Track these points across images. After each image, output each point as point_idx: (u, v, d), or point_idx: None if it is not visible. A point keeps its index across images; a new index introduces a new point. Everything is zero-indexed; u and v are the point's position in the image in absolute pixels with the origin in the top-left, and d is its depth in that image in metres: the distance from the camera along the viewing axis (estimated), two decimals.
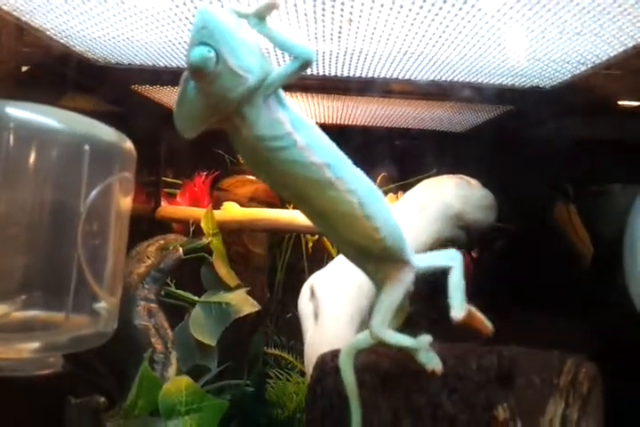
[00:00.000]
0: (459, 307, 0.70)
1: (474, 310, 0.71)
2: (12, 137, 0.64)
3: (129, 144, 0.75)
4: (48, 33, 0.84)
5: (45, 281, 0.69)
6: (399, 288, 0.70)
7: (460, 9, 0.69)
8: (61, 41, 0.88)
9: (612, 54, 0.77)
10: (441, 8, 0.70)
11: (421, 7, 0.70)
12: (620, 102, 1.03)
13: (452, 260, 0.73)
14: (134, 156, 0.76)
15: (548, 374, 0.72)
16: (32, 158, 0.65)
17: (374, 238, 0.66)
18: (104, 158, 0.71)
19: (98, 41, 0.89)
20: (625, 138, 1.16)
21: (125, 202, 0.76)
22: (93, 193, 0.68)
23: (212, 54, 0.56)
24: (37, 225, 0.67)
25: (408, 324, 0.79)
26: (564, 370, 0.73)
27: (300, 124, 0.62)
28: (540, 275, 1.26)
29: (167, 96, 1.21)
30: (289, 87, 1.10)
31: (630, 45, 0.72)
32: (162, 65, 1.01)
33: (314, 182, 0.63)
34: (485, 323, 0.72)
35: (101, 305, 0.73)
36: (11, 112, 0.64)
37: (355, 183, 0.64)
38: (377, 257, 0.70)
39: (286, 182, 0.63)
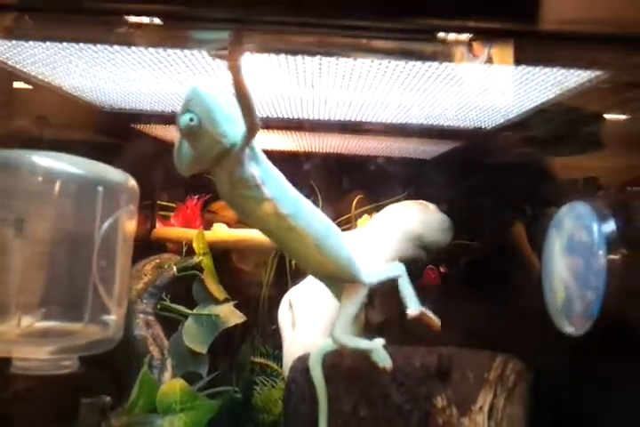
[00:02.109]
0: (414, 306, 0.85)
1: (424, 310, 0.85)
2: (40, 180, 0.79)
3: (132, 182, 0.89)
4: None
5: (63, 297, 0.82)
6: (354, 303, 0.85)
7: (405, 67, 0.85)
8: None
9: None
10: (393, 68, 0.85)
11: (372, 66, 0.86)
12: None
13: (398, 270, 0.88)
14: (137, 191, 0.90)
15: (480, 370, 0.87)
16: (56, 196, 0.80)
17: (329, 268, 0.82)
18: (113, 195, 0.85)
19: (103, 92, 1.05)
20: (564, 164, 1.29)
21: (130, 229, 0.90)
22: (105, 225, 0.82)
23: (196, 121, 0.69)
24: (59, 251, 0.81)
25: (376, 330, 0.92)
26: (494, 366, 0.88)
27: (269, 177, 0.75)
28: (500, 288, 1.38)
29: (161, 132, 1.35)
30: (284, 127, 1.25)
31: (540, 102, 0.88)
32: (157, 110, 1.17)
33: (278, 226, 0.76)
34: (434, 320, 0.86)
35: (111, 317, 0.87)
36: (37, 160, 0.79)
37: (313, 226, 0.77)
38: (334, 279, 0.85)
39: (255, 221, 0.78)
